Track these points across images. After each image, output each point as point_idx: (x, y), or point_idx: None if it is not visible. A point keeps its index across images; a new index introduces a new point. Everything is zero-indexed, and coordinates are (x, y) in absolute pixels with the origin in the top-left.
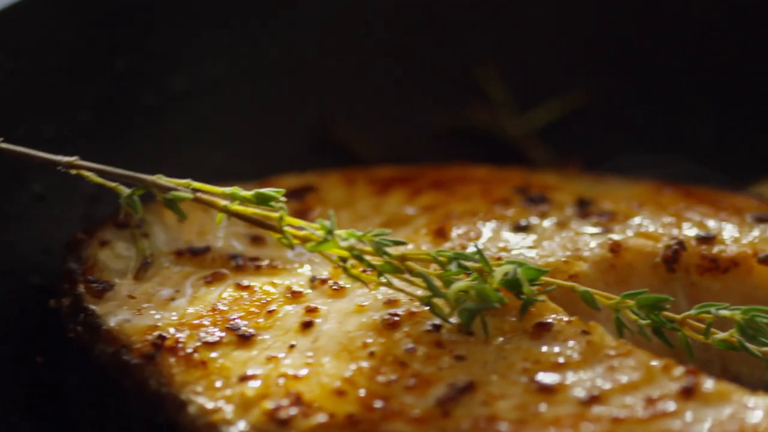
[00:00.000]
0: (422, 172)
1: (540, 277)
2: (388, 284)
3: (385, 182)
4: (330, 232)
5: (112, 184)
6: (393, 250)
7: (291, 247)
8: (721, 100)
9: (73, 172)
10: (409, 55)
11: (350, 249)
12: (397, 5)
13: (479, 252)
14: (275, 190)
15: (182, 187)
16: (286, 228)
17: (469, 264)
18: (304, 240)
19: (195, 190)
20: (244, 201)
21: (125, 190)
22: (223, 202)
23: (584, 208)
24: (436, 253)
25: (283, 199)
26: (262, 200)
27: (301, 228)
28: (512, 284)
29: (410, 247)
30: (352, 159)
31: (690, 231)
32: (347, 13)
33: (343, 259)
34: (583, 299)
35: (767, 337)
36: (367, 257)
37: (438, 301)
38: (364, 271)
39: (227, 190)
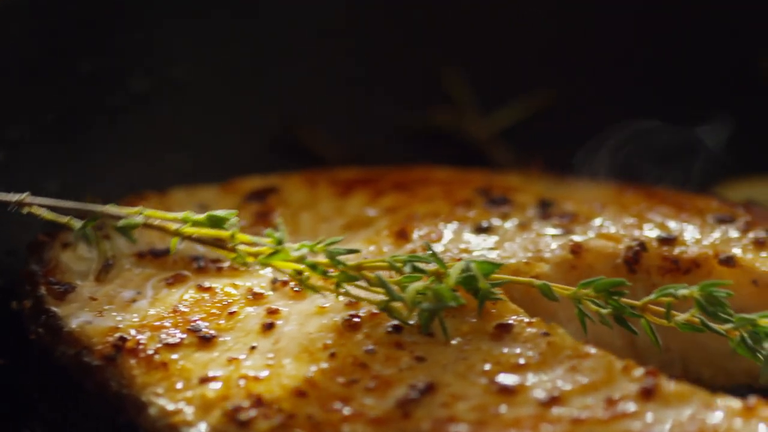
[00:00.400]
0: (385, 173)
1: (495, 272)
2: (345, 293)
3: (348, 184)
4: (280, 243)
5: (64, 219)
6: (349, 257)
7: (246, 265)
8: (684, 101)
9: (25, 210)
10: (373, 57)
11: (302, 260)
12: (361, 6)
13: (434, 253)
14: (227, 212)
15: (134, 214)
16: (240, 247)
17: (425, 266)
18: (258, 255)
19: (147, 216)
20: (196, 224)
21: (77, 224)
22: (175, 226)
23: (546, 210)
24: (392, 258)
25: (235, 219)
26: (215, 223)
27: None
28: (468, 282)
29: (371, 248)
30: (315, 161)
31: (651, 232)
32: (310, 14)
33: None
34: (541, 292)
35: (727, 312)
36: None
37: (396, 305)
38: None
39: (179, 215)
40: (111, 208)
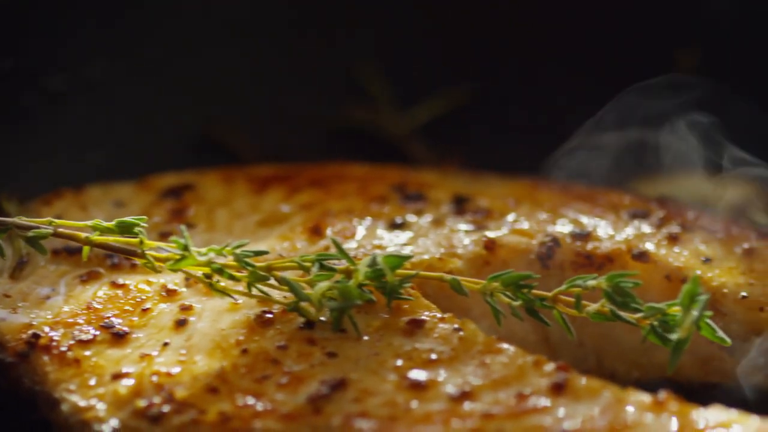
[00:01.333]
0: (300, 170)
1: (403, 265)
2: (254, 295)
3: (264, 180)
4: (186, 248)
5: None
6: (259, 258)
7: (156, 270)
8: (600, 96)
9: None
10: (289, 54)
11: (210, 264)
12: (275, 3)
13: (341, 250)
14: (136, 218)
15: (43, 225)
16: (148, 252)
17: (337, 263)
18: (167, 261)
19: (56, 227)
20: (105, 231)
21: None
22: (84, 234)
23: (460, 206)
24: (300, 258)
25: (144, 225)
26: (124, 229)
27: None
28: (377, 276)
29: (285, 245)
30: (233, 158)
31: (565, 228)
32: (225, 12)
33: (208, 275)
34: (450, 287)
35: (637, 302)
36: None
37: (305, 304)
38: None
39: (89, 222)
40: (20, 219)
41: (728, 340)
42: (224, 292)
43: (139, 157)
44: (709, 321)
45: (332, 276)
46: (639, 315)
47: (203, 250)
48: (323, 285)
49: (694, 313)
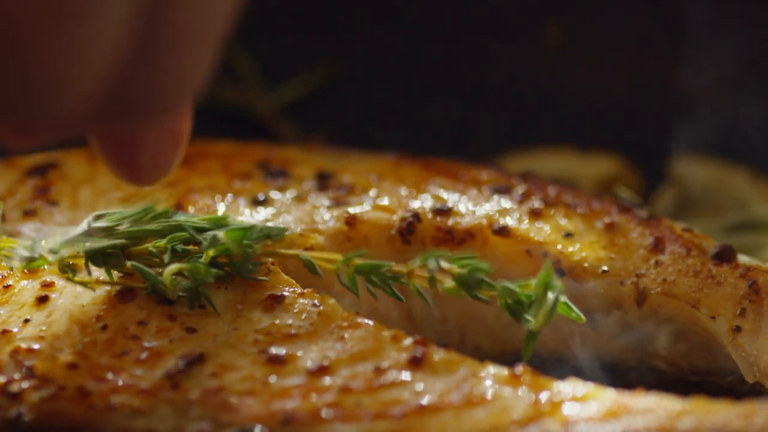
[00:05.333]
0: None
1: (248, 236)
2: (113, 282)
3: None
4: (33, 249)
5: None
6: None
7: (11, 267)
8: (470, 72)
9: None
10: None
11: (61, 262)
12: None
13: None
14: None
15: None
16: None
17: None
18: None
19: None
20: None
21: None
22: None
23: (323, 182)
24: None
25: None
26: None
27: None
28: (224, 250)
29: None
30: None
31: (426, 203)
32: None
33: (63, 269)
34: (304, 265)
35: (487, 283)
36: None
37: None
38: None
39: None
40: None
41: (583, 317)
42: (83, 284)
43: None
44: (564, 299)
45: (187, 255)
46: (492, 292)
47: (56, 246)
48: (173, 267)
49: (550, 300)
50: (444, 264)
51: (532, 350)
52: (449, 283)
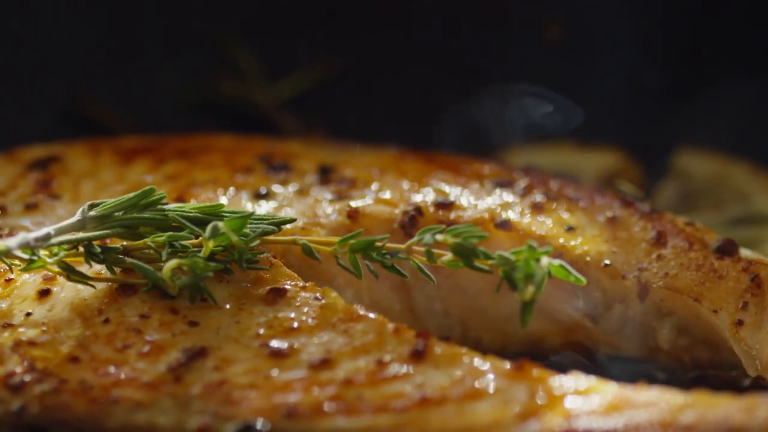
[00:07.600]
0: (167, 142)
1: (246, 225)
2: (113, 279)
3: (130, 152)
4: (33, 254)
5: None
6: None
7: (11, 270)
8: (470, 67)
9: None
10: (158, 25)
11: (60, 264)
12: None
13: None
14: None
15: None
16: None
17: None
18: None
19: None
20: None
21: None
22: None
23: (326, 176)
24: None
25: None
26: None
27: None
28: (224, 241)
29: None
30: (101, 130)
31: (428, 197)
32: None
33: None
34: (303, 251)
35: (483, 252)
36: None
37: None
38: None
39: None
40: None
41: (583, 279)
42: (83, 281)
43: (5, 130)
44: (561, 262)
45: (186, 250)
46: (491, 262)
47: (54, 249)
48: (172, 262)
49: (540, 267)
50: (439, 237)
51: (528, 320)
52: (447, 256)
